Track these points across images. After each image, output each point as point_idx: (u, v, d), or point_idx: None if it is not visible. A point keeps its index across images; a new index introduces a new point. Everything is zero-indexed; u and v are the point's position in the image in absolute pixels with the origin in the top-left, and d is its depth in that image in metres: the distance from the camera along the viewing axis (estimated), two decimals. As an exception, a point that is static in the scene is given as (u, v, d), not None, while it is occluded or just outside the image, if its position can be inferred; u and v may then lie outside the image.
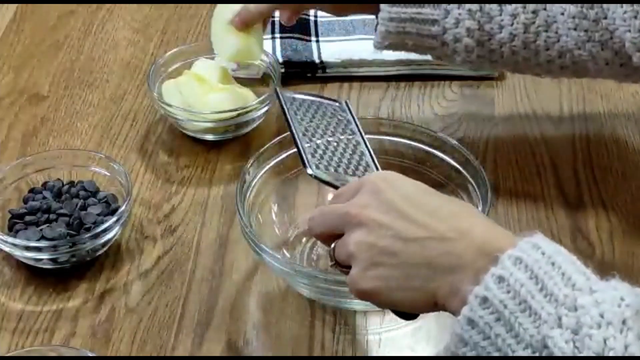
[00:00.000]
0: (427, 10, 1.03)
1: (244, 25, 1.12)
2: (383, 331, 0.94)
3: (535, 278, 0.67)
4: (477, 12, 1.01)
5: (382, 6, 1.04)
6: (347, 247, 0.76)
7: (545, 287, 0.67)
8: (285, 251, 0.99)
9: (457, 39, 1.03)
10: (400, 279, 0.74)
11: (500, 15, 1.01)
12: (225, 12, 1.13)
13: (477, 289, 0.68)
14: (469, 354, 0.69)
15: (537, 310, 0.66)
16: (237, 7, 1.12)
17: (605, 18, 0.95)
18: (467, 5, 1.01)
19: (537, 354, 0.66)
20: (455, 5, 1.02)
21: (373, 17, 1.07)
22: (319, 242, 1.01)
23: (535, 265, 0.68)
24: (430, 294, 0.73)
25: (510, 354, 0.67)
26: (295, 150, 1.01)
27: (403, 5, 1.03)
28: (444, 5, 1.02)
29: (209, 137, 1.16)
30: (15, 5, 1.40)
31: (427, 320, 0.94)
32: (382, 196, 0.76)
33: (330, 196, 1.04)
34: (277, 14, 1.33)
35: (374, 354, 0.92)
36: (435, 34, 1.03)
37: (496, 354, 0.68)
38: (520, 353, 0.66)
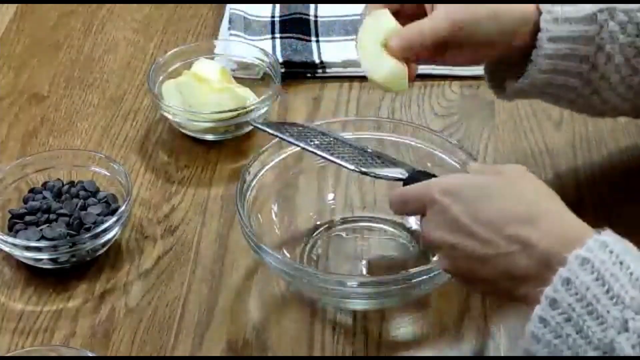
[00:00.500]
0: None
1: (404, 53, 0.93)
2: (383, 331, 0.94)
3: (601, 279, 0.68)
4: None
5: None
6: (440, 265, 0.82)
7: (611, 289, 0.68)
8: (285, 251, 0.99)
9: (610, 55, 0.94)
10: (489, 289, 0.79)
11: None
12: (378, 25, 0.94)
13: (547, 290, 0.70)
14: (541, 352, 0.71)
15: (602, 314, 0.67)
16: (393, 25, 0.93)
17: None
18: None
19: (607, 355, 0.67)
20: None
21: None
22: (319, 242, 1.01)
23: (602, 266, 0.69)
24: (519, 298, 0.75)
25: (582, 354, 0.68)
26: (295, 150, 1.02)
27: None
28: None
29: (209, 137, 1.16)
30: (15, 5, 1.40)
31: (427, 321, 0.94)
32: (448, 215, 0.78)
33: (331, 195, 1.04)
34: (277, 13, 1.34)
35: (374, 354, 0.92)
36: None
37: (568, 353, 0.69)
38: (591, 353, 0.68)
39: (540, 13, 0.91)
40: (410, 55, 0.92)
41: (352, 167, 0.90)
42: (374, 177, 0.90)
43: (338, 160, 0.90)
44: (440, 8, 0.91)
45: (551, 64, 0.92)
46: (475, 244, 0.76)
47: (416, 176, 0.88)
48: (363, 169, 0.90)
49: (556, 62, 0.92)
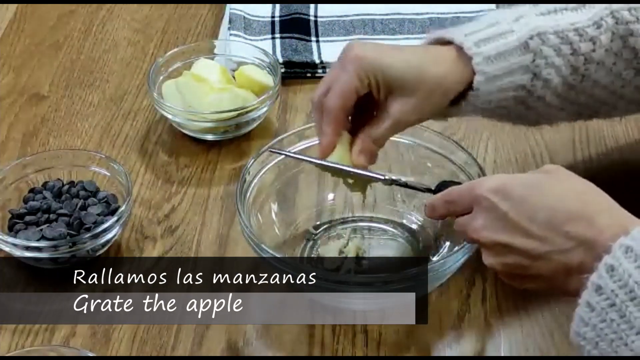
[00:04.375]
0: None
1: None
2: (383, 331, 0.94)
3: None
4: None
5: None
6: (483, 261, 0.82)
7: None
8: (285, 251, 0.99)
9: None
10: (541, 285, 0.80)
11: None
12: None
13: (592, 277, 0.73)
14: (589, 334, 0.74)
15: None
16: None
17: None
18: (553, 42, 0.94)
19: None
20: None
21: (371, 17, 1.05)
22: (319, 242, 1.01)
23: None
24: (572, 292, 0.77)
25: (625, 339, 0.71)
26: (294, 151, 1.02)
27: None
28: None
29: (209, 137, 1.16)
30: (15, 5, 1.40)
31: (427, 321, 0.94)
32: (497, 213, 0.79)
33: (331, 195, 1.04)
34: (277, 13, 1.34)
35: (374, 354, 0.92)
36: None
37: (613, 337, 0.72)
38: (634, 339, 0.71)
39: (470, 58, 0.89)
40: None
41: (382, 177, 0.91)
42: (405, 186, 0.92)
43: (366, 172, 0.92)
44: (387, 117, 0.91)
45: (487, 100, 0.92)
46: (530, 241, 0.78)
47: (444, 185, 0.90)
48: (393, 177, 0.92)
49: (493, 96, 0.92)
